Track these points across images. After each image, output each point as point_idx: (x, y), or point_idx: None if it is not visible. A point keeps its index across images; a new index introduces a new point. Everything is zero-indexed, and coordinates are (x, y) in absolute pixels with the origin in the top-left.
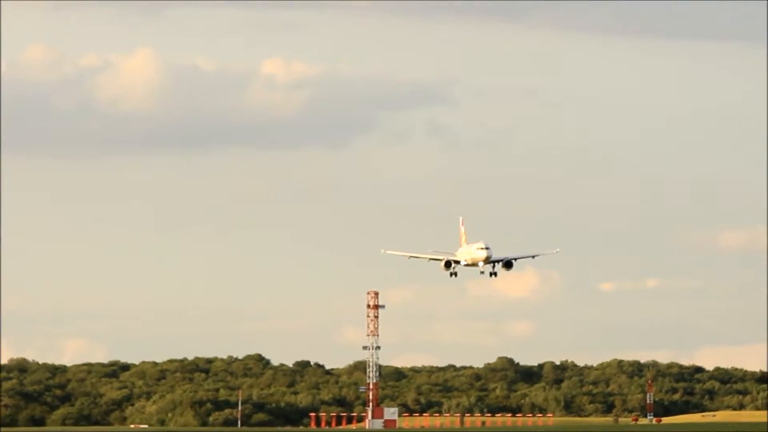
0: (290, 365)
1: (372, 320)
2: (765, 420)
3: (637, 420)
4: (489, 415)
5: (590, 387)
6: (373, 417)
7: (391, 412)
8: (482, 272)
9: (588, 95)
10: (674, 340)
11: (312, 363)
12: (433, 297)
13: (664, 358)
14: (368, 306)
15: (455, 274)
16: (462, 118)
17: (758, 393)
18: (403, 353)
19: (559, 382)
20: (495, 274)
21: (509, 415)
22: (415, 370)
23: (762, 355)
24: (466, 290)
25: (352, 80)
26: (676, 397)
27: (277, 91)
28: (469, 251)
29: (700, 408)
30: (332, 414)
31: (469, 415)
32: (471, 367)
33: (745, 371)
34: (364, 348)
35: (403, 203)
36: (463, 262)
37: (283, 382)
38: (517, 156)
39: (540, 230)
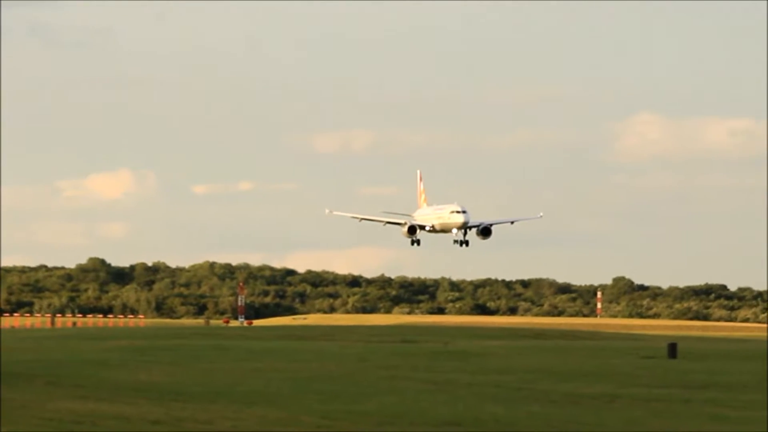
0: None
1: None
2: (354, 323)
3: (228, 322)
4: (80, 315)
5: (182, 289)
6: None
7: None
8: (455, 240)
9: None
10: (266, 243)
11: None
12: (24, 197)
13: (256, 260)
14: None
15: (418, 242)
16: (62, 17)
17: (348, 297)
18: None
19: (150, 283)
20: (467, 243)
21: (100, 315)
22: (6, 270)
23: (352, 259)
24: (59, 191)
25: None
26: (268, 299)
27: None
28: (440, 215)
29: (291, 311)
30: None
31: (60, 315)
32: (63, 268)
33: (336, 275)
34: None
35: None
36: (428, 227)
37: None
38: (119, 57)
39: (144, 133)
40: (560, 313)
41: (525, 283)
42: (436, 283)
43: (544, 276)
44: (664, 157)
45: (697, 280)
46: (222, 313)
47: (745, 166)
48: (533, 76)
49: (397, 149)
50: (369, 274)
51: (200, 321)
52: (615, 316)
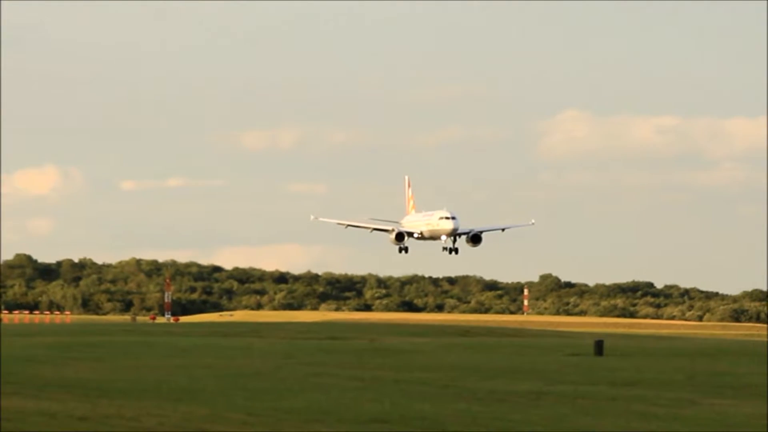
0: None
1: None
2: (281, 320)
3: (154, 318)
4: (6, 311)
5: (109, 285)
6: None
7: None
8: (444, 248)
9: None
10: (194, 239)
11: None
12: None
13: (183, 257)
14: None
15: (406, 249)
16: None
17: (275, 293)
18: None
19: (77, 279)
20: (456, 250)
21: (27, 312)
22: None
23: (279, 256)
24: None
25: None
26: (195, 296)
27: None
28: (429, 221)
29: (218, 307)
30: None
31: None
32: None
33: (263, 271)
34: None
35: None
36: (416, 234)
37: None
38: (47, 53)
39: (72, 129)
40: (487, 310)
41: (452, 280)
42: (363, 280)
43: (470, 273)
44: (591, 154)
45: (624, 278)
46: (149, 310)
47: (673, 163)
48: (460, 74)
49: (324, 146)
50: (296, 271)
51: (127, 317)
52: (542, 314)
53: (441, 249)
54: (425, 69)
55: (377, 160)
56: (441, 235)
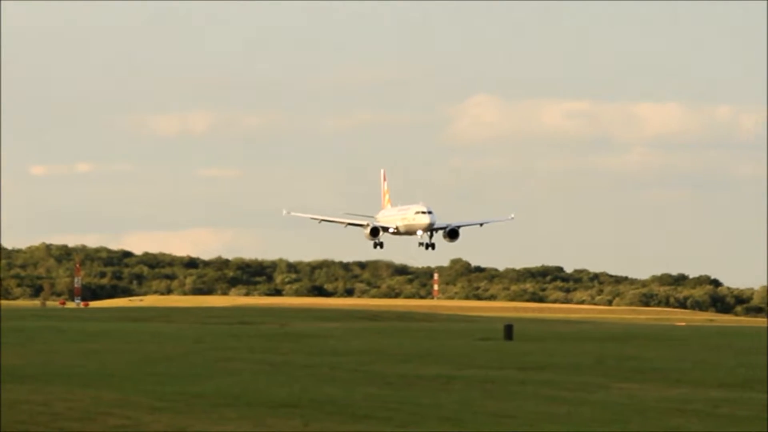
0: None
1: None
2: (191, 305)
3: (64, 303)
4: None
5: (18, 270)
6: None
7: None
8: (421, 243)
9: None
10: (104, 224)
11: None
12: None
13: (93, 242)
14: None
15: (381, 244)
16: None
17: (185, 278)
18: None
19: None
20: (432, 246)
21: None
22: None
23: (189, 241)
24: None
25: None
26: (105, 281)
27: None
28: (405, 216)
29: (128, 292)
30: None
31: None
32: None
33: (173, 256)
34: None
35: None
36: (391, 229)
37: None
38: None
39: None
40: (397, 295)
41: (362, 265)
42: (274, 265)
43: (381, 257)
44: (500, 139)
45: (534, 262)
46: (58, 295)
47: (582, 148)
48: (371, 59)
49: (236, 131)
50: (206, 256)
51: (36, 302)
52: (452, 298)
53: (417, 244)
54: (336, 53)
55: (289, 145)
56: (417, 230)
